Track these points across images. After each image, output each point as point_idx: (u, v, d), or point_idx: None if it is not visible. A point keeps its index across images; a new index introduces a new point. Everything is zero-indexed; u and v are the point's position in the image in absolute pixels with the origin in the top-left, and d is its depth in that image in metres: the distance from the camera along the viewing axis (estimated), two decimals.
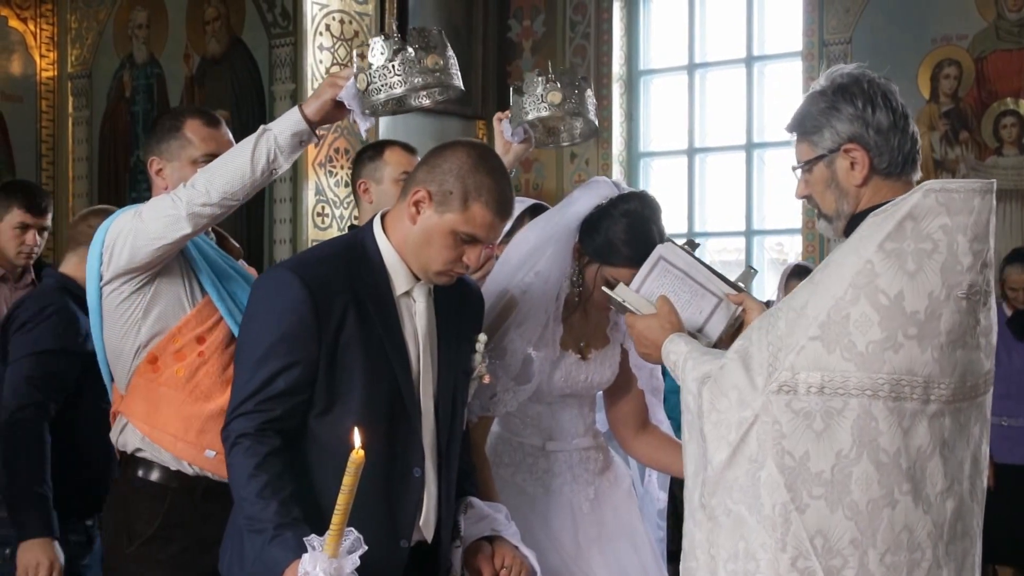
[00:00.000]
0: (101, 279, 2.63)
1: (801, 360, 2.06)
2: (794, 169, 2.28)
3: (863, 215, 2.14)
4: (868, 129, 2.15)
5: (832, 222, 2.23)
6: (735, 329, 2.44)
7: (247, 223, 6.44)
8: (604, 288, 2.52)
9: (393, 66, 2.42)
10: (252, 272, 2.86)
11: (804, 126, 2.23)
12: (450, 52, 2.49)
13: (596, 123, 2.83)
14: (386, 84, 2.43)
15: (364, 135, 2.76)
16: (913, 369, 2.04)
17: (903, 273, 2.03)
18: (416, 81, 2.43)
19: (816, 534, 2.05)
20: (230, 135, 2.79)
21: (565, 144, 2.97)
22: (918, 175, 2.22)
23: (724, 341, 2.42)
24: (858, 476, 2.04)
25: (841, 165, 2.18)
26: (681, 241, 2.57)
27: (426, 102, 2.58)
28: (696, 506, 2.18)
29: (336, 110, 2.52)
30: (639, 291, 2.46)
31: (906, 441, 2.06)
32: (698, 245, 2.63)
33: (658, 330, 2.36)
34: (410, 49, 2.43)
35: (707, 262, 2.56)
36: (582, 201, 2.72)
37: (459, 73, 2.52)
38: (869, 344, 2.03)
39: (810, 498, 2.05)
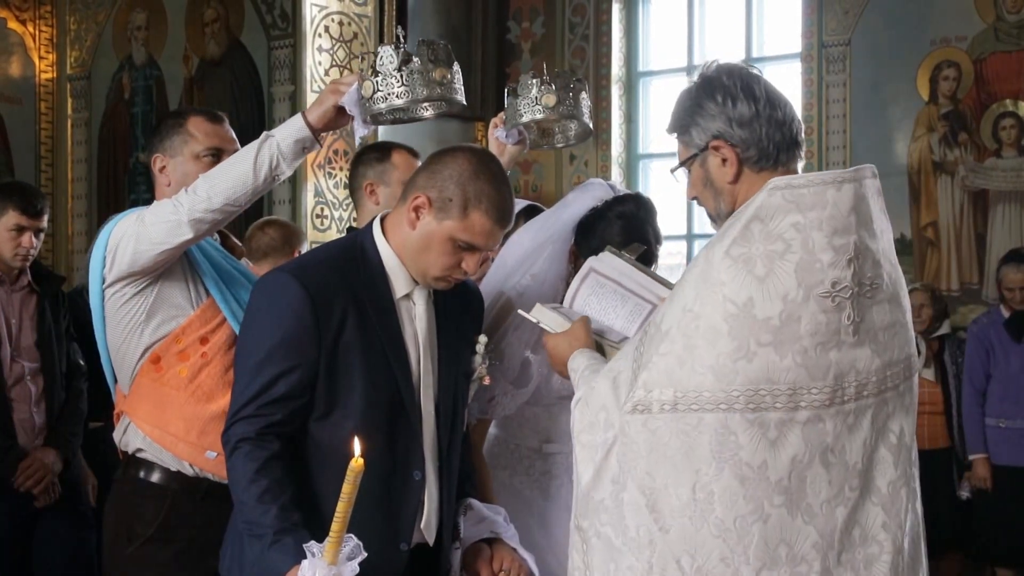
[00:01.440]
0: (104, 281, 2.64)
1: (654, 377, 1.98)
2: (672, 171, 2.21)
3: None
4: (732, 123, 2.07)
5: (716, 222, 2.14)
6: None
7: (246, 224, 6.42)
8: (519, 311, 2.45)
9: (401, 76, 2.42)
10: (255, 271, 2.86)
11: (676, 126, 2.17)
12: (456, 68, 2.48)
13: (591, 125, 2.83)
14: (391, 93, 2.42)
15: (359, 143, 2.74)
16: (772, 377, 1.93)
17: (752, 278, 1.93)
18: (421, 93, 2.42)
19: (683, 554, 1.95)
20: (233, 132, 2.80)
21: (560, 146, 2.97)
22: (801, 163, 2.13)
23: None
24: (721, 493, 1.94)
25: (713, 163, 2.10)
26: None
27: (427, 115, 2.57)
28: (572, 528, 2.12)
29: (339, 116, 2.52)
30: (571, 306, 2.39)
31: (774, 452, 1.94)
32: (643, 249, 2.59)
33: (565, 347, 2.30)
34: (417, 60, 2.42)
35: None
36: (577, 203, 2.72)
37: (463, 88, 2.51)
38: (719, 356, 1.93)
39: (673, 518, 1.96)
